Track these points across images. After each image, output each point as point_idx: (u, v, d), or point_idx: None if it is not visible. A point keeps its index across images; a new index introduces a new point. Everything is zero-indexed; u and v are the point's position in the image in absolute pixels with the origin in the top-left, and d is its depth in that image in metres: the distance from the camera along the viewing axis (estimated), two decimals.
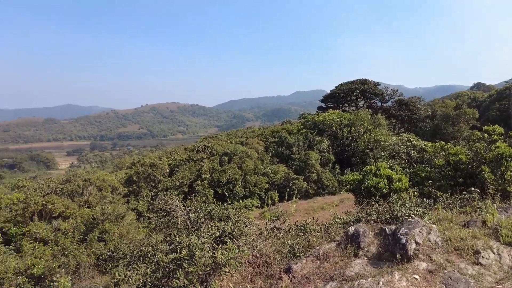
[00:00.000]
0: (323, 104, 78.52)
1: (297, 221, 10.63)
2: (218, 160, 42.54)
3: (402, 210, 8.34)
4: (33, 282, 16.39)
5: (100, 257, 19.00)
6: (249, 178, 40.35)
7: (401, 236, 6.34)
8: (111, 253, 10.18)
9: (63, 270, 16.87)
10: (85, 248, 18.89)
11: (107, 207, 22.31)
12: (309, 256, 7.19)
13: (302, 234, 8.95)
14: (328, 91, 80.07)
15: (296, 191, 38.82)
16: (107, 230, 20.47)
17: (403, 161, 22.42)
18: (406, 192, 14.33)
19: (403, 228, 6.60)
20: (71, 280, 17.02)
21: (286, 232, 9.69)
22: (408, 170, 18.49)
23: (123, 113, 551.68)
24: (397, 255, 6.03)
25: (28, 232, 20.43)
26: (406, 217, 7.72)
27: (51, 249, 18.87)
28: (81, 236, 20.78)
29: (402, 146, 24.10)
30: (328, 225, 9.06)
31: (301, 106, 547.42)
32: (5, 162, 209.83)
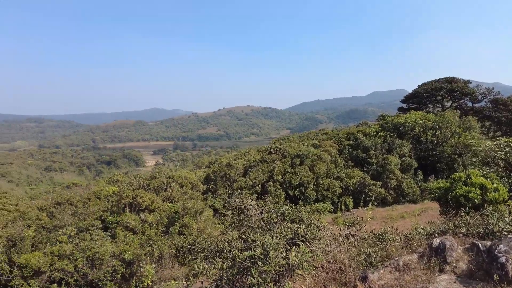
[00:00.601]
0: (404, 105, 73.29)
1: (374, 229, 10.10)
2: (289, 162, 42.58)
3: (499, 224, 7.34)
4: (124, 266, 18.47)
5: (180, 249, 20.54)
6: (321, 181, 39.54)
7: (499, 254, 5.60)
8: (191, 246, 10.87)
9: (148, 258, 18.69)
10: (167, 240, 20.58)
11: (188, 203, 23.94)
12: (387, 266, 6.78)
13: (379, 243, 8.47)
14: (410, 91, 74.54)
15: (373, 198, 36.79)
16: (186, 224, 22.01)
17: (500, 169, 19.73)
18: (505, 205, 12.58)
19: (501, 245, 5.82)
20: (154, 267, 18.78)
21: (362, 239, 9.27)
22: (507, 179, 16.24)
23: (203, 116, 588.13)
24: (494, 275, 5.34)
25: (121, 222, 23.04)
26: (505, 233, 6.79)
27: (138, 238, 21.00)
28: (164, 229, 22.71)
29: (499, 152, 21.17)
30: (409, 235, 8.44)
31: (379, 107, 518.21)
32: (104, 159, 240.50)
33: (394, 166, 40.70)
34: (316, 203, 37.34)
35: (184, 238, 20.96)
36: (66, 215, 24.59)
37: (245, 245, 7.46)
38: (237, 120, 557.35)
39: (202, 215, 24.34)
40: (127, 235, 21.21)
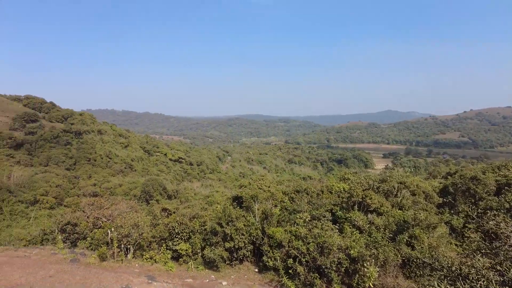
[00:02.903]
0: None
1: None
2: None
3: None
4: (349, 261, 19.20)
5: (407, 260, 19.11)
6: None
7: None
8: (425, 261, 9.92)
9: (373, 260, 18.54)
10: (394, 247, 19.62)
11: (420, 214, 21.93)
12: None
13: None
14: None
15: None
16: (416, 236, 20.20)
17: None
18: None
19: None
20: (378, 271, 18.42)
21: None
22: None
23: (442, 119, 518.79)
24: None
25: (349, 218, 24.03)
26: None
27: (364, 238, 21.17)
28: (391, 235, 21.80)
29: None
30: None
31: None
32: (335, 157, 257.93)
33: None
34: None
35: (412, 250, 19.34)
36: (303, 202, 28.21)
37: (502, 279, 6.07)
38: (489, 124, 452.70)
39: (436, 231, 21.57)
40: (354, 233, 21.86)
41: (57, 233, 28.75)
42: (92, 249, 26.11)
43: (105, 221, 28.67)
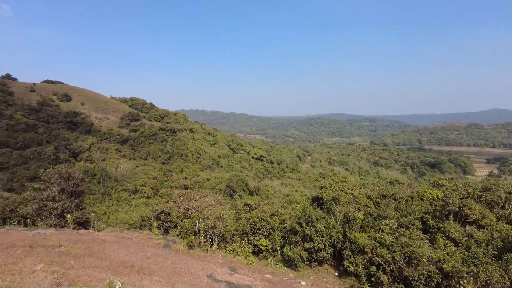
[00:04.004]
0: None
1: None
2: None
3: None
4: (441, 276, 17.38)
5: None
6: None
7: None
8: None
9: (471, 278, 16.45)
10: (499, 267, 17.11)
11: None
12: None
13: None
14: None
15: None
16: None
17: None
18: None
19: None
20: None
21: None
22: None
23: None
24: None
25: (442, 229, 21.75)
26: None
27: (461, 253, 18.91)
28: (495, 252, 19.05)
29: None
30: None
31: None
32: (428, 161, 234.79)
33: None
34: None
35: None
36: (389, 208, 26.47)
37: None
38: None
39: None
40: (448, 245, 19.73)
41: (153, 220, 32.25)
42: (181, 237, 28.60)
43: (194, 212, 31.13)
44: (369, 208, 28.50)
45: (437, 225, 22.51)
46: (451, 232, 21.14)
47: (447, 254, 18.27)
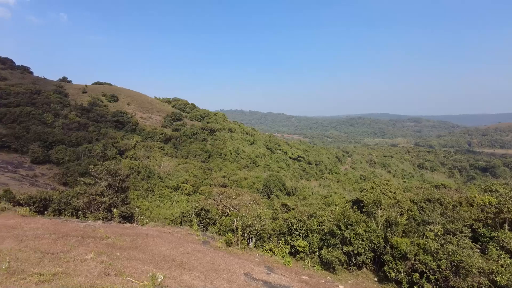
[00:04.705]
0: None
1: None
2: None
3: None
4: None
5: None
6: None
7: None
8: None
9: None
10: None
11: None
12: None
13: None
14: None
15: None
16: None
17: None
18: None
19: None
20: None
21: None
22: None
23: None
24: None
25: (496, 238, 20.19)
26: None
27: None
28: None
29: None
30: None
31: None
32: (479, 164, 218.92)
33: None
34: None
35: None
36: (434, 213, 25.08)
37: None
38: None
39: None
40: (503, 256, 18.28)
41: (193, 216, 33.21)
42: (220, 234, 29.19)
43: (232, 210, 31.64)
44: (412, 213, 27.22)
45: (490, 234, 20.95)
46: (506, 242, 19.57)
47: (501, 266, 16.95)
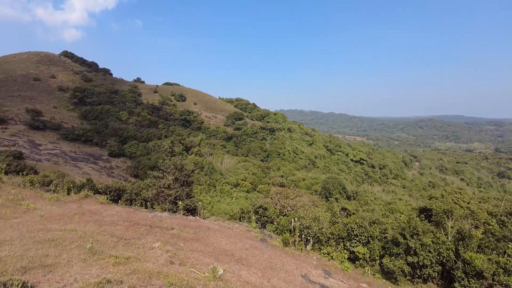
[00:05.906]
0: None
1: None
2: None
3: None
4: None
5: None
6: None
7: None
8: None
9: None
10: None
11: None
12: None
13: None
14: None
15: None
16: None
17: None
18: None
19: None
20: None
21: None
22: None
23: None
24: None
25: None
26: None
27: None
28: None
29: None
30: None
31: None
32: None
33: None
34: None
35: None
36: None
37: None
38: None
39: None
40: None
41: (252, 213, 33.90)
42: (277, 233, 29.37)
43: (290, 210, 31.64)
44: (490, 227, 24.46)
45: None
46: None
47: None
